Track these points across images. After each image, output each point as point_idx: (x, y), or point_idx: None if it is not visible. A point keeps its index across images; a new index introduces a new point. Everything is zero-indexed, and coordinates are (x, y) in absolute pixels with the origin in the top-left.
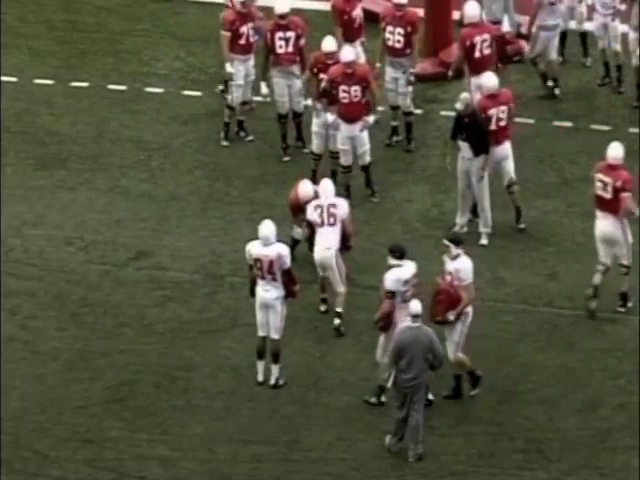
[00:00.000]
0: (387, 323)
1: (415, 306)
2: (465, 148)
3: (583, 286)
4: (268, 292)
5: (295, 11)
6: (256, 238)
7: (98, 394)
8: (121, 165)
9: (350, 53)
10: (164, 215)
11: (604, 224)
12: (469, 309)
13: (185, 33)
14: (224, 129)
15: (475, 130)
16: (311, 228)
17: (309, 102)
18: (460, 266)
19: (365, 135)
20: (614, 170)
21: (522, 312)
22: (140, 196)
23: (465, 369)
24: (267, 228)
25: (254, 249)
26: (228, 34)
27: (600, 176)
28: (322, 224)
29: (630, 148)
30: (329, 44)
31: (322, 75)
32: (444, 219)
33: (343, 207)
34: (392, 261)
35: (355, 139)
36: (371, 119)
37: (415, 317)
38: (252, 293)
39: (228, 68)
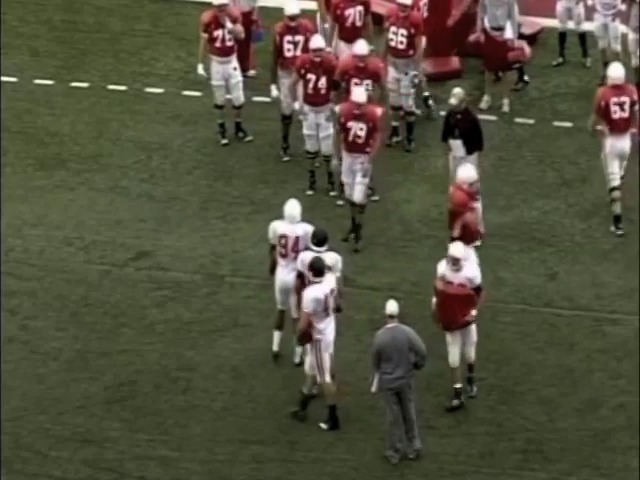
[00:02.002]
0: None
1: (391, 306)
2: (457, 147)
3: (583, 286)
4: (289, 275)
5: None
6: (257, 237)
7: (98, 394)
8: (121, 165)
9: (364, 47)
10: (164, 215)
11: (620, 142)
12: (318, 337)
13: (185, 33)
14: (219, 130)
15: (468, 127)
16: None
17: (296, 106)
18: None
19: None
20: (622, 89)
21: (522, 312)
22: (140, 196)
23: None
24: (293, 207)
25: (280, 227)
26: (205, 36)
27: (614, 99)
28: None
29: (630, 148)
30: (316, 42)
31: (309, 76)
32: (444, 219)
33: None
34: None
35: None
36: (379, 111)
37: (391, 317)
38: (272, 271)
39: (199, 70)
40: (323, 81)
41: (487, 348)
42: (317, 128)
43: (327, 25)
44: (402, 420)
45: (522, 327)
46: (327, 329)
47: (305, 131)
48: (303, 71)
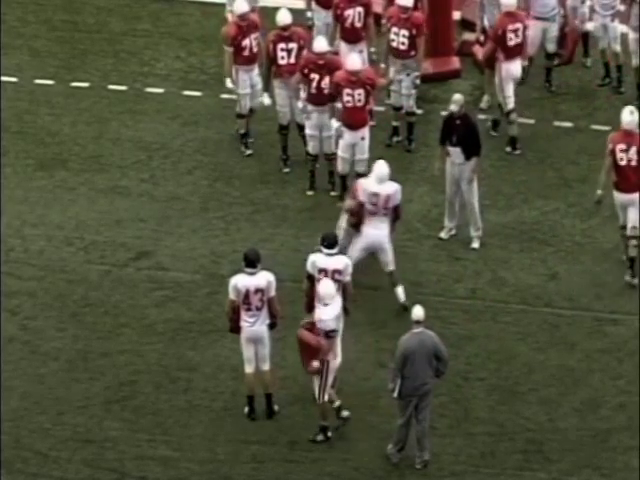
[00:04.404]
0: None
1: (418, 311)
2: (456, 153)
3: (583, 286)
4: (376, 230)
5: (297, 12)
6: (257, 237)
7: (98, 394)
8: (121, 165)
9: (356, 62)
10: (164, 215)
11: (513, 66)
12: (242, 325)
13: (185, 33)
14: (241, 140)
15: (467, 132)
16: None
17: (300, 105)
18: None
19: (366, 143)
20: (516, 16)
21: (522, 312)
22: (140, 196)
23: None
24: (382, 167)
25: (370, 185)
26: (230, 49)
27: (510, 27)
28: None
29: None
30: (320, 44)
31: (313, 75)
32: (444, 220)
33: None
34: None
35: (356, 146)
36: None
37: (418, 322)
38: (357, 226)
39: (228, 84)
40: (327, 81)
41: (487, 348)
42: (320, 128)
43: (317, 21)
44: (414, 425)
45: (522, 327)
46: (252, 322)
47: (308, 131)
48: (307, 71)
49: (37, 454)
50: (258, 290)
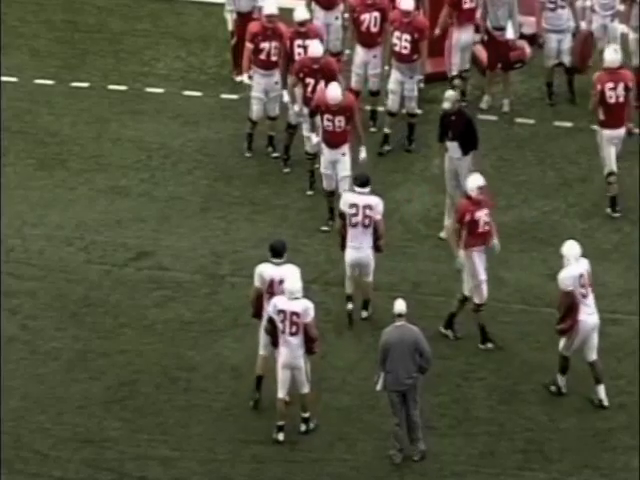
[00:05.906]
0: None
1: (399, 305)
2: (453, 148)
3: None
4: (593, 311)
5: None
6: (257, 237)
7: (98, 394)
8: (121, 165)
9: (336, 94)
10: (164, 215)
11: (465, 34)
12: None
13: (185, 33)
14: (247, 140)
15: (463, 128)
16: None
17: (296, 108)
18: None
19: (347, 160)
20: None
21: (522, 312)
22: (140, 196)
23: None
24: (574, 246)
25: (572, 271)
26: (250, 46)
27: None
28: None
29: (630, 148)
30: (315, 49)
31: (308, 80)
32: (444, 219)
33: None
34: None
35: (337, 163)
36: (362, 154)
37: (399, 316)
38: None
39: (245, 79)
40: (322, 85)
41: (487, 348)
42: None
43: (316, 20)
44: (405, 421)
45: (522, 327)
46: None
47: (305, 132)
48: (302, 74)
49: (37, 454)
50: (282, 281)
